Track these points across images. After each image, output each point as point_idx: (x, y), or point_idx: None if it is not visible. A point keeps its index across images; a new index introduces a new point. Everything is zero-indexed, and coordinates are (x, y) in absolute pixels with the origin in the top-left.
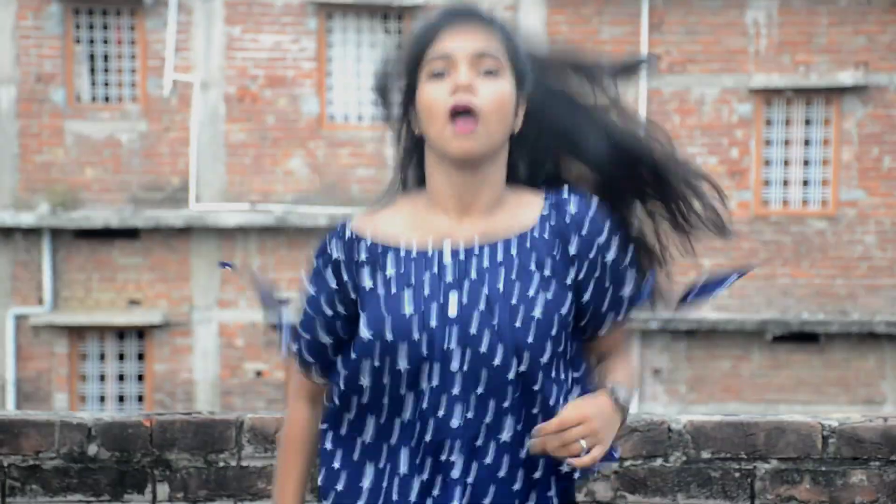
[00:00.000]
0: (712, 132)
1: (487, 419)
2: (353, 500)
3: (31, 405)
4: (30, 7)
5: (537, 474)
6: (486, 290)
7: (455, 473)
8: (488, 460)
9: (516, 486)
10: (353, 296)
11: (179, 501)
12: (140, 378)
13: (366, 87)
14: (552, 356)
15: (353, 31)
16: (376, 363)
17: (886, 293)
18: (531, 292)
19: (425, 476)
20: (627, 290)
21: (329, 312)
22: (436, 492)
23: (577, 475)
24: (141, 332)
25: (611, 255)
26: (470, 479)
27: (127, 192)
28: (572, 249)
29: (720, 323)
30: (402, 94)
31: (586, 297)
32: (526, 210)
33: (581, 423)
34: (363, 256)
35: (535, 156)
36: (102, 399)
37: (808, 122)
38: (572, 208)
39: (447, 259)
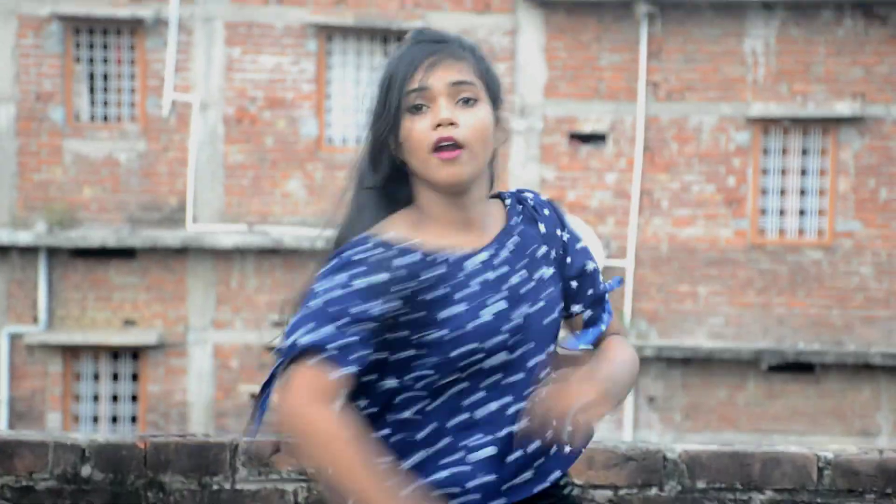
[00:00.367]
0: (710, 160)
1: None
2: (462, 458)
3: (25, 424)
4: (30, 26)
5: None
6: (519, 285)
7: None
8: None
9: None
10: (412, 307)
11: None
12: (134, 398)
13: (364, 110)
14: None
15: (353, 54)
16: (462, 363)
17: (882, 324)
18: (547, 280)
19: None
20: (592, 266)
21: (380, 320)
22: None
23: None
24: (136, 353)
25: (567, 233)
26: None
27: (125, 212)
28: (542, 229)
29: (716, 351)
30: (383, 123)
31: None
32: (493, 206)
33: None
34: (430, 267)
35: None
36: (96, 419)
37: (805, 152)
38: (530, 196)
39: (477, 262)
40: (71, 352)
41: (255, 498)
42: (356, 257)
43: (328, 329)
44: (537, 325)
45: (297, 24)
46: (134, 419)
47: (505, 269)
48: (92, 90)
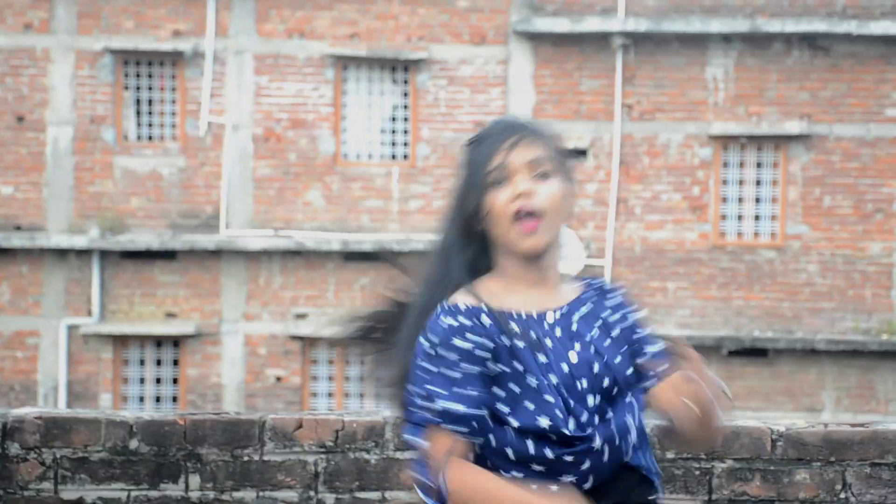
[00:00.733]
0: (677, 172)
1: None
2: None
3: (80, 404)
4: (86, 59)
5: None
6: (590, 343)
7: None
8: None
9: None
10: (500, 362)
11: (209, 491)
12: (175, 381)
13: (376, 129)
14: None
15: (366, 81)
16: (557, 411)
17: (826, 315)
18: (610, 344)
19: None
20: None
21: (484, 382)
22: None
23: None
24: (176, 342)
25: (633, 317)
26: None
27: (167, 219)
28: (611, 303)
29: (682, 338)
30: (470, 198)
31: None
32: (566, 284)
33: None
34: (510, 327)
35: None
36: (142, 399)
37: (759, 165)
38: (603, 281)
39: (550, 320)
40: (120, 341)
41: (281, 468)
42: (457, 322)
43: (456, 393)
44: (621, 375)
45: (316, 56)
46: (175, 399)
47: (580, 325)
48: (138, 113)
